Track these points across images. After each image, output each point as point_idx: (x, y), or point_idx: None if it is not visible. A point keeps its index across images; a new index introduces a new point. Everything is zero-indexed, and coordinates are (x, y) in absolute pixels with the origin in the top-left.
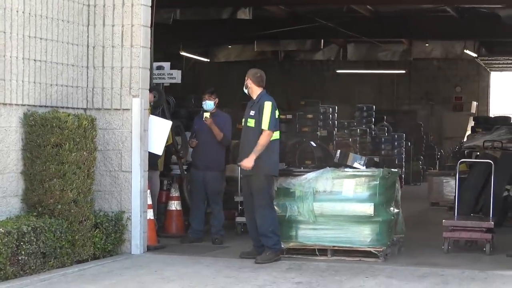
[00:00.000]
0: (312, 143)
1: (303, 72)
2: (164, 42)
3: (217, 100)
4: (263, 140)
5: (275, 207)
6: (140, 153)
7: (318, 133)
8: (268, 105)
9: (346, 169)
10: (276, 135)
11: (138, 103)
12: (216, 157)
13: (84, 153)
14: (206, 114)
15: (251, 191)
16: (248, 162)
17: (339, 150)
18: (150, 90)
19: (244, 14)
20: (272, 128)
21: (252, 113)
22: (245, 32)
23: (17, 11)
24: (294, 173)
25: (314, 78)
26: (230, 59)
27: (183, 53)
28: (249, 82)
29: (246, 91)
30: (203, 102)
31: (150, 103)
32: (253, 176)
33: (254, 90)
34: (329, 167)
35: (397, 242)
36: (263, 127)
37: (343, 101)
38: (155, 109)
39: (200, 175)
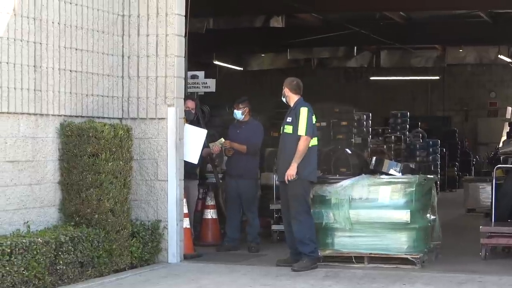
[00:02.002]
0: (347, 150)
1: (336, 80)
2: (198, 51)
3: (247, 109)
4: (301, 146)
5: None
6: (176, 162)
7: (353, 140)
8: (304, 111)
9: (381, 176)
10: (314, 141)
11: (173, 112)
12: (249, 165)
13: (120, 162)
14: (221, 140)
15: (288, 198)
16: (291, 171)
17: (374, 157)
18: (185, 99)
19: (277, 22)
20: (309, 133)
21: (289, 119)
22: (278, 40)
23: (52, 22)
24: (329, 181)
25: (348, 85)
26: (263, 67)
27: (216, 62)
28: (286, 91)
29: (284, 100)
30: (235, 112)
31: (191, 110)
32: (291, 182)
33: (291, 98)
34: (365, 174)
35: (434, 249)
36: (299, 133)
37: (377, 108)
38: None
39: (234, 183)
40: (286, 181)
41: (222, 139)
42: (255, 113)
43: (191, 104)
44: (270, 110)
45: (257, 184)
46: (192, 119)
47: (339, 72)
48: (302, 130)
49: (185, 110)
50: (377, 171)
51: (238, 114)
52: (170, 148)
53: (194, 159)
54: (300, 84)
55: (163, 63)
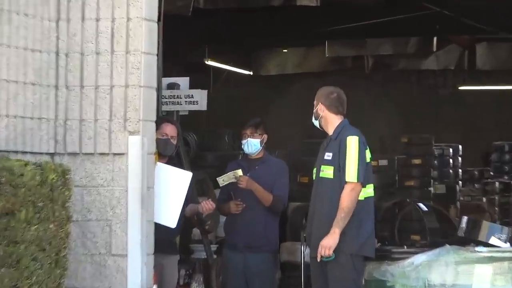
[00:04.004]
0: (421, 205)
1: (405, 90)
2: (180, 45)
3: (265, 137)
4: (347, 199)
5: None
6: (142, 225)
7: (432, 188)
8: (352, 142)
9: (477, 248)
10: (369, 190)
11: (139, 144)
12: (265, 230)
13: (51, 225)
14: (237, 173)
15: (329, 283)
16: (329, 241)
17: (465, 217)
18: (159, 123)
19: None
20: (361, 178)
21: (328, 156)
22: (309, 27)
23: None
24: (392, 255)
25: (423, 98)
26: (285, 70)
27: (210, 63)
28: (320, 108)
29: (316, 122)
30: (244, 142)
31: (171, 139)
32: (332, 259)
33: (329, 120)
34: (450, 244)
35: None
36: (347, 178)
37: (470, 136)
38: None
39: (239, 260)
40: (318, 259)
41: (240, 171)
42: (270, 145)
43: (170, 129)
44: (295, 140)
45: (276, 262)
46: (170, 154)
47: (409, 78)
48: (350, 173)
49: (159, 140)
50: (470, 239)
51: (254, 145)
52: (133, 203)
53: (171, 220)
54: (343, 97)
55: (123, 65)
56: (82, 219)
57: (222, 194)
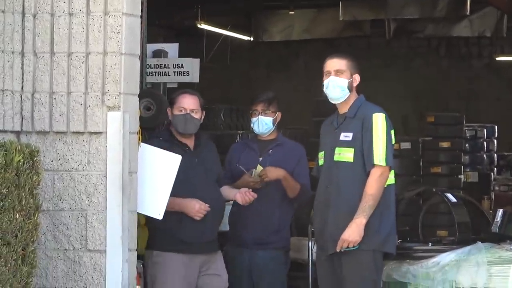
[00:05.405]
0: (449, 195)
1: (433, 60)
2: (169, 5)
3: (279, 115)
4: (376, 186)
5: None
6: (123, 216)
7: (462, 176)
8: (379, 120)
9: None
10: (391, 177)
11: (119, 122)
12: (279, 223)
13: (17, 215)
14: (257, 172)
15: (344, 283)
16: (354, 233)
17: (501, 210)
18: (176, 95)
19: None
20: (390, 161)
21: (346, 136)
22: None
23: None
24: (414, 253)
25: (453, 70)
26: (291, 36)
27: (203, 26)
28: (355, 80)
29: (344, 96)
30: (253, 120)
31: (192, 113)
32: (348, 255)
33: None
34: (482, 241)
35: None
36: (375, 161)
37: (508, 116)
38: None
39: (245, 258)
40: (338, 249)
41: (260, 167)
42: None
43: (189, 101)
44: (303, 118)
45: (288, 260)
46: (193, 132)
47: (436, 46)
48: (379, 155)
49: (177, 116)
50: (506, 236)
51: (265, 124)
52: (112, 190)
53: (158, 211)
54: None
55: (100, 28)
56: (53, 209)
57: (224, 176)
